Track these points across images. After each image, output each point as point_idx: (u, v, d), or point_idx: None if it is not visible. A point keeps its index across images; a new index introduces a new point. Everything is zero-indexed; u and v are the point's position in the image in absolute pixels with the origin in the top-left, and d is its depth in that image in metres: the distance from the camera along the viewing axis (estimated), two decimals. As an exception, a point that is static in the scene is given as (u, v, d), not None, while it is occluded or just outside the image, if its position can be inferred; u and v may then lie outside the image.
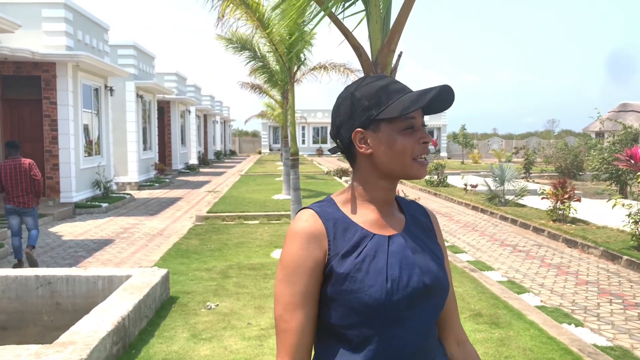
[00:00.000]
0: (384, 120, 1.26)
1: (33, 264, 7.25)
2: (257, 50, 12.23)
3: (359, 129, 1.28)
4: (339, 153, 1.40)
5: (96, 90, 14.99)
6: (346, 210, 1.32)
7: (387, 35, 2.73)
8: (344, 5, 2.99)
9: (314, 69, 14.68)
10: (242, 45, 11.97)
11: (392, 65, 2.77)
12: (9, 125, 12.84)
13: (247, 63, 12.67)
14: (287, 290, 1.25)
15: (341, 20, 3.03)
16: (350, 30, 2.91)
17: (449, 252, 8.53)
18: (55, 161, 12.82)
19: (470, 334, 4.80)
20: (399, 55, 2.76)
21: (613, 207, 8.92)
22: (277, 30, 8.27)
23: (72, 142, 12.94)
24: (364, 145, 1.29)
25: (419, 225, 1.38)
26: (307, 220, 1.27)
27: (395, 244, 1.29)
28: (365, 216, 1.31)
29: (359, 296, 1.21)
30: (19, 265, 7.42)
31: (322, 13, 2.97)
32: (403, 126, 1.26)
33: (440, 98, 1.28)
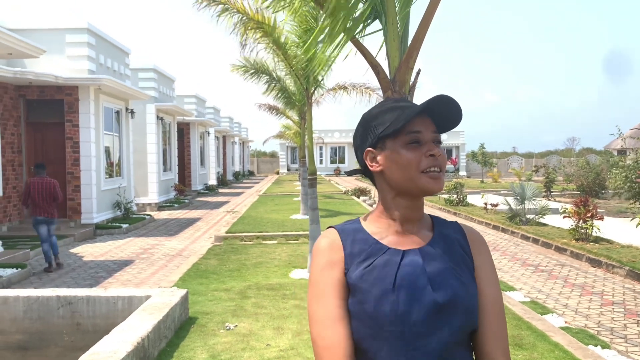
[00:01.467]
0: (388, 136, 1.30)
1: (60, 266, 9.03)
2: (273, 73, 12.36)
3: (369, 149, 1.34)
4: (359, 175, 1.43)
5: (117, 112, 15.26)
6: (368, 227, 1.35)
7: (405, 52, 2.74)
8: (363, 24, 3.01)
9: (332, 89, 14.77)
10: (259, 70, 12.11)
11: (411, 83, 2.78)
12: (32, 148, 13.10)
13: (266, 90, 12.79)
14: (320, 306, 1.26)
15: (359, 39, 3.05)
16: (369, 49, 2.93)
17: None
18: (77, 182, 13.02)
19: (493, 355, 4.69)
20: (418, 73, 2.77)
21: (637, 225, 8.74)
22: (293, 52, 8.35)
23: (93, 163, 13.14)
24: (374, 164, 1.34)
25: (448, 243, 1.33)
26: (326, 236, 1.34)
27: (410, 258, 1.27)
28: (385, 233, 1.33)
29: (365, 307, 1.22)
30: (49, 269, 8.77)
31: (344, 35, 2.99)
32: (407, 140, 1.28)
33: (441, 110, 1.29)
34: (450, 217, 16.64)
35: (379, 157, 1.32)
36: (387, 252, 1.28)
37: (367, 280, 1.24)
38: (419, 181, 1.27)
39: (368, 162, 1.34)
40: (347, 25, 2.77)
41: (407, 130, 1.28)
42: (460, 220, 16.02)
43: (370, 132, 1.33)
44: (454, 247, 1.33)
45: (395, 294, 1.21)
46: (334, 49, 2.91)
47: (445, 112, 1.30)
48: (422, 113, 1.29)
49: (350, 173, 1.46)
